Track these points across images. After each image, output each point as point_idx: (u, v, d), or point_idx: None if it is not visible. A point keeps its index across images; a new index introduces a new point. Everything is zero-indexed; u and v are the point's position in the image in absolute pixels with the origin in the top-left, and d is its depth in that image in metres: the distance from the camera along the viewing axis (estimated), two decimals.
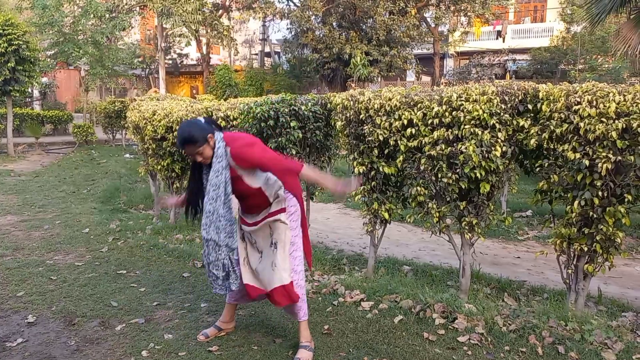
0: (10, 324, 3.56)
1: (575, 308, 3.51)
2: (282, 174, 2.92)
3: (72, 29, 17.86)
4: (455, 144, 3.59)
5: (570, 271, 3.56)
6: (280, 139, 4.59)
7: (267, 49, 33.89)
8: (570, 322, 3.31)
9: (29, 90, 18.27)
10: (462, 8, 22.48)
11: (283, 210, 3.07)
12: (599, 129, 3.09)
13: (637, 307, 4.02)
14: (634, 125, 3.00)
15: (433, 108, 3.66)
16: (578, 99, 3.23)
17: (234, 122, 4.99)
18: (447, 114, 3.60)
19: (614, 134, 3.05)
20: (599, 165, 3.11)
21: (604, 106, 3.11)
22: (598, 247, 3.32)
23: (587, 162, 3.16)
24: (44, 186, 9.78)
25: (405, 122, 3.81)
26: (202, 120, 2.95)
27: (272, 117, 4.55)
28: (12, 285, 4.28)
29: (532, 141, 3.42)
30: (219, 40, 26.25)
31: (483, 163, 3.48)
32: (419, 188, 3.85)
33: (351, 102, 4.19)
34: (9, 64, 13.08)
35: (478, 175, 3.52)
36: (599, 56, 19.42)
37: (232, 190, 2.95)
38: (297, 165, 2.92)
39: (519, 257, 5.73)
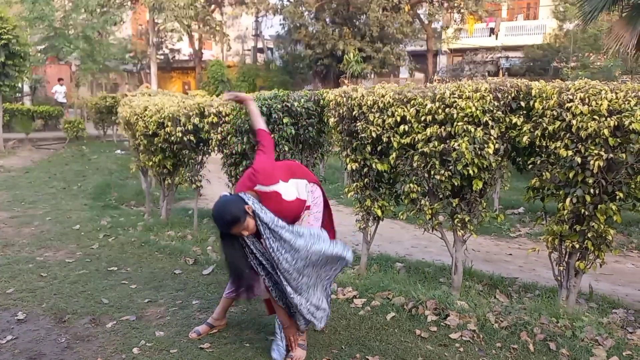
0: (0, 321, 3.53)
1: (567, 305, 3.53)
2: (270, 146, 3.00)
3: (62, 23, 17.70)
4: (448, 141, 3.58)
5: (561, 268, 3.57)
6: (272, 135, 4.56)
7: (259, 45, 33.75)
8: (562, 319, 3.33)
9: (19, 85, 18.05)
10: (456, 5, 22.52)
11: (307, 207, 3.04)
12: (591, 126, 3.10)
13: (627, 304, 4.04)
14: (626, 122, 3.01)
15: (426, 105, 3.65)
16: (570, 97, 3.24)
17: (226, 118, 4.96)
18: (440, 110, 3.59)
19: (606, 131, 3.06)
20: (591, 162, 3.11)
21: (596, 104, 3.12)
22: (589, 244, 3.34)
23: (579, 160, 3.17)
24: (34, 182, 9.70)
25: (398, 118, 3.80)
26: (227, 194, 2.86)
27: (264, 113, 4.52)
28: (2, 282, 4.24)
29: (525, 138, 3.42)
30: (212, 36, 26.15)
31: (476, 160, 3.48)
32: (411, 185, 3.85)
33: (344, 99, 4.18)
34: None
35: (471, 172, 3.52)
36: (591, 54, 19.53)
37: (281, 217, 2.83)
38: (267, 141, 3.04)
39: (510, 254, 5.75)
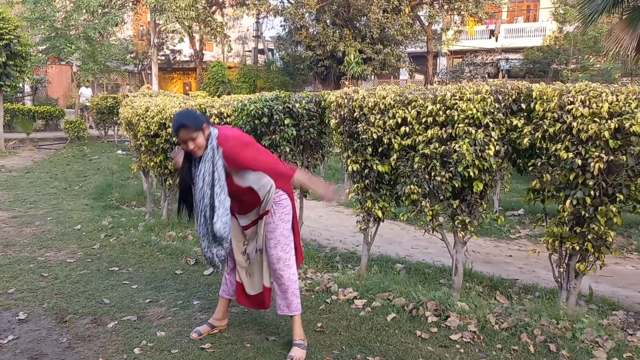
0: (1, 321, 3.54)
1: (567, 306, 3.53)
2: (274, 177, 2.98)
3: (64, 24, 17.67)
4: (448, 143, 3.60)
5: (561, 270, 3.58)
6: (274, 137, 4.58)
7: (260, 46, 33.80)
8: (562, 321, 3.34)
9: (20, 85, 18.02)
10: (456, 7, 22.53)
11: (268, 212, 3.09)
12: (591, 128, 3.11)
13: (627, 305, 4.05)
14: (626, 125, 3.02)
15: (427, 107, 3.66)
16: (571, 99, 3.25)
17: (228, 119, 4.98)
18: (441, 112, 3.60)
19: (606, 133, 3.07)
20: (592, 164, 3.13)
21: (597, 106, 3.13)
22: (590, 246, 3.34)
23: (579, 162, 3.18)
24: (35, 182, 9.71)
25: (399, 120, 3.81)
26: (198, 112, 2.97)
27: (266, 114, 4.54)
28: (3, 282, 4.25)
29: (525, 140, 3.43)
30: (212, 37, 26.14)
31: (476, 162, 3.50)
32: (412, 186, 3.86)
33: (345, 100, 4.19)
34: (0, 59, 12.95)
35: (471, 173, 3.53)
36: (591, 56, 19.57)
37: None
38: (290, 171, 2.99)
39: (510, 256, 5.76)
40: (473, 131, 3.47)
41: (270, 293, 3.26)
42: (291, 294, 3.11)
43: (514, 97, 3.53)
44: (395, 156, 3.93)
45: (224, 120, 5.01)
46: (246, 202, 3.08)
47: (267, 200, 3.05)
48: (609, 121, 3.08)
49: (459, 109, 3.52)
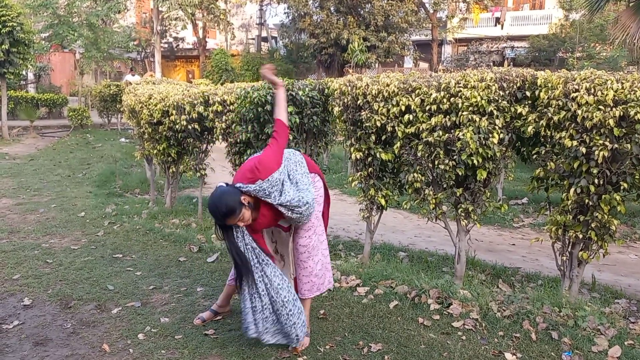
0: (6, 306, 3.57)
1: (569, 295, 3.54)
2: (284, 140, 2.91)
3: (66, 11, 17.61)
4: (452, 131, 3.58)
5: (564, 258, 3.58)
6: None
7: (264, 34, 33.63)
8: (564, 309, 3.34)
9: (24, 72, 17.97)
10: None
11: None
12: (596, 116, 3.09)
13: (630, 294, 4.06)
14: (632, 113, 3.00)
15: (431, 94, 3.64)
16: (576, 87, 3.23)
17: (231, 107, 4.96)
18: (445, 100, 3.59)
19: (611, 121, 3.05)
20: (596, 152, 3.11)
21: (602, 94, 3.11)
22: (593, 234, 3.34)
23: (583, 150, 3.16)
24: (39, 170, 9.74)
25: (403, 108, 3.80)
26: (224, 185, 2.80)
27: (269, 102, 4.52)
28: (8, 268, 4.28)
29: (530, 128, 3.42)
30: (216, 24, 26.07)
31: (480, 150, 3.48)
32: (415, 174, 3.85)
33: (349, 88, 4.17)
34: (3, 46, 12.91)
35: (475, 162, 3.52)
36: (597, 44, 19.40)
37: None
38: (282, 133, 2.93)
39: (514, 244, 5.76)
40: (477, 119, 3.46)
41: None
42: (315, 275, 3.09)
43: (518, 84, 3.50)
44: (398, 144, 3.92)
45: (227, 107, 5.00)
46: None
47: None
48: (613, 109, 3.06)
49: (463, 96, 3.50)
